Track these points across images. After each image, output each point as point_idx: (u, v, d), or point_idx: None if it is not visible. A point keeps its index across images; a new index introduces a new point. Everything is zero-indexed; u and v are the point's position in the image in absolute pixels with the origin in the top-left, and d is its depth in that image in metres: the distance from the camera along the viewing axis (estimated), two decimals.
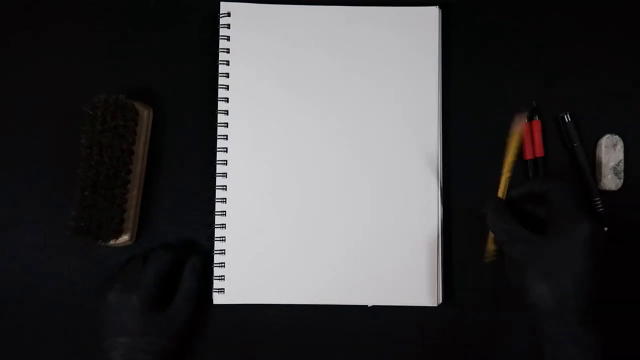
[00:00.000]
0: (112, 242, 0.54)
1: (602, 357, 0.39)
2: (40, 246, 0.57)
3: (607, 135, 0.57)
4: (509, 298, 0.57)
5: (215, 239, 0.56)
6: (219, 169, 0.57)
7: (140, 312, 0.51)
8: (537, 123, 0.57)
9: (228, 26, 0.58)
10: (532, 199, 0.50)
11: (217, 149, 0.57)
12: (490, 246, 0.52)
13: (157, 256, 0.53)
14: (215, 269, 0.56)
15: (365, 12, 0.58)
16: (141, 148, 0.56)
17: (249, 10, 0.58)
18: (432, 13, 0.58)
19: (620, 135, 0.57)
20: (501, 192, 0.52)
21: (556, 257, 0.42)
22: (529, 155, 0.58)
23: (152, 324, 0.51)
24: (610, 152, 0.57)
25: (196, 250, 0.57)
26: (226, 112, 0.57)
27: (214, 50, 0.58)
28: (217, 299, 0.56)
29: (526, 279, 0.43)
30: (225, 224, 0.56)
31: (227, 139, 0.57)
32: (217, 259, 0.56)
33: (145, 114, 0.56)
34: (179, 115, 0.59)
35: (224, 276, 0.56)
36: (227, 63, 0.57)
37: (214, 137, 0.57)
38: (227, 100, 0.57)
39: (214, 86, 0.57)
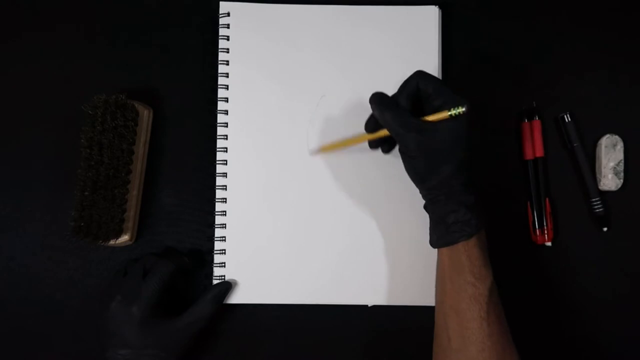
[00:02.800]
0: (112, 242, 0.54)
1: (480, 210, 0.47)
2: (40, 246, 0.57)
3: (607, 135, 0.57)
4: (507, 297, 0.57)
5: (215, 239, 0.56)
6: (219, 169, 0.57)
7: (141, 324, 0.50)
8: (537, 123, 0.57)
9: (228, 26, 0.58)
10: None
11: (217, 149, 0.57)
12: (374, 136, 0.52)
13: (158, 266, 0.53)
14: (215, 269, 0.56)
15: (365, 12, 0.58)
16: (141, 148, 0.56)
17: (248, 10, 0.58)
18: (432, 13, 0.58)
19: (620, 135, 0.57)
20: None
21: (446, 142, 0.46)
22: (529, 155, 0.58)
23: (154, 336, 0.51)
24: (610, 152, 0.57)
25: (197, 254, 0.57)
26: (226, 112, 0.57)
27: (214, 50, 0.58)
28: None
29: (422, 164, 0.47)
30: (225, 224, 0.56)
31: (227, 138, 0.57)
32: (217, 259, 0.56)
33: (145, 114, 0.56)
34: (179, 115, 0.59)
35: (224, 276, 0.56)
36: (227, 63, 0.57)
37: (214, 137, 0.57)
38: (227, 100, 0.57)
39: (214, 86, 0.57)
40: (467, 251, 0.47)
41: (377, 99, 0.49)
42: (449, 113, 0.46)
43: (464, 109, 0.46)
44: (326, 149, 0.57)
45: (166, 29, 0.59)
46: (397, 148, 0.55)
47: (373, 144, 0.54)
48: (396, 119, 0.47)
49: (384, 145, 0.55)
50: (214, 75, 0.58)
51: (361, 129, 0.57)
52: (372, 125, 0.52)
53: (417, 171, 0.49)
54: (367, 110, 0.57)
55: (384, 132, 0.51)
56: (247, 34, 0.58)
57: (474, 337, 0.45)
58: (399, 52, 0.58)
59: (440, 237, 0.48)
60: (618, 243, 0.57)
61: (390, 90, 0.55)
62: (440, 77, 0.58)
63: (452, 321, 0.47)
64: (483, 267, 0.47)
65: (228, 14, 0.58)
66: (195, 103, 0.58)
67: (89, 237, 0.52)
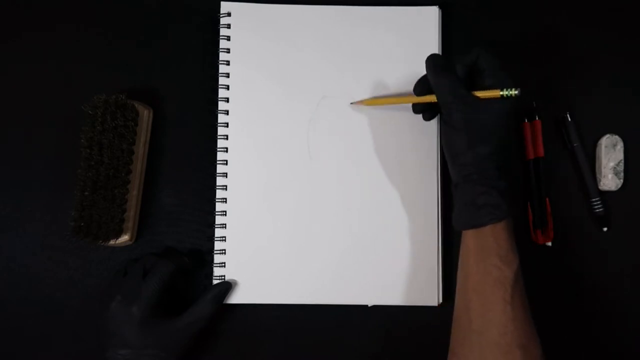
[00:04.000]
0: (112, 242, 0.54)
1: (510, 198, 0.47)
2: (40, 246, 0.57)
3: (607, 135, 0.57)
4: None
5: (216, 239, 0.56)
6: (219, 169, 0.57)
7: (141, 324, 0.50)
8: (537, 123, 0.57)
9: (228, 26, 0.58)
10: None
11: (217, 149, 0.57)
12: (423, 99, 0.52)
13: (158, 266, 0.53)
14: (215, 269, 0.56)
15: (365, 12, 0.58)
16: (141, 148, 0.56)
17: (249, 10, 0.58)
18: (432, 13, 0.58)
19: (620, 135, 0.57)
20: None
21: (490, 121, 0.47)
22: (529, 155, 0.58)
23: (154, 336, 0.51)
24: (610, 152, 0.57)
25: (197, 254, 0.57)
26: (226, 112, 0.57)
27: (214, 50, 0.58)
28: None
29: (462, 138, 0.47)
30: (225, 224, 0.56)
31: (227, 139, 0.57)
32: (217, 259, 0.56)
33: (145, 114, 0.56)
34: (179, 115, 0.59)
35: (224, 276, 0.56)
36: (227, 63, 0.57)
37: (214, 137, 0.57)
38: (227, 100, 0.57)
39: (214, 86, 0.57)
40: (495, 234, 0.46)
41: (434, 61, 0.48)
42: (501, 93, 0.46)
43: (516, 92, 0.46)
44: (369, 102, 0.56)
45: (166, 29, 0.59)
46: (436, 117, 0.56)
47: (417, 108, 0.54)
48: (449, 86, 0.47)
49: (428, 111, 0.54)
50: (215, 75, 0.58)
51: (361, 129, 0.57)
52: (420, 88, 0.52)
53: (455, 145, 0.48)
54: (368, 111, 0.57)
55: (431, 98, 0.50)
56: (248, 34, 0.58)
57: (497, 319, 0.45)
58: (399, 52, 0.58)
59: (469, 219, 0.47)
60: (618, 243, 0.57)
61: (390, 89, 0.56)
62: None
63: (475, 303, 0.46)
64: (510, 251, 0.46)
65: (229, 14, 0.58)
66: (196, 103, 0.58)
67: (89, 237, 0.52)
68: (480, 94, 0.47)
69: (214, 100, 0.57)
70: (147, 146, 0.57)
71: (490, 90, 0.47)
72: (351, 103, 0.57)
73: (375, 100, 0.56)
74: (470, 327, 0.46)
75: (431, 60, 0.49)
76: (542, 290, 0.57)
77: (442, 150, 0.57)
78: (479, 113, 0.47)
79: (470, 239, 0.48)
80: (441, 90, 0.48)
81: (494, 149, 0.47)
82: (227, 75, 0.57)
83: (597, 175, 0.58)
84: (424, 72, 0.57)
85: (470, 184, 0.47)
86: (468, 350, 0.46)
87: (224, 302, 0.55)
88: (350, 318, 0.57)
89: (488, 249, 0.46)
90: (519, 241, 0.57)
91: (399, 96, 0.55)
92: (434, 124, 0.57)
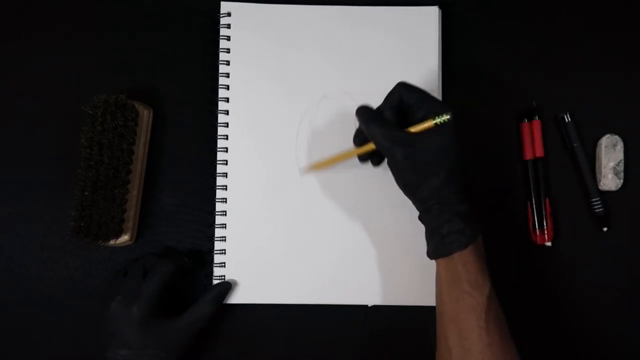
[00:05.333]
0: (112, 242, 0.54)
1: (474, 218, 0.47)
2: (40, 246, 0.57)
3: (607, 135, 0.57)
4: (507, 297, 0.57)
5: (216, 239, 0.56)
6: (219, 169, 0.57)
7: (141, 324, 0.50)
8: (537, 123, 0.58)
9: (228, 26, 0.58)
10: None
11: (218, 149, 0.57)
12: (360, 151, 0.52)
13: (158, 266, 0.53)
14: (215, 269, 0.56)
15: (365, 12, 0.58)
16: (141, 148, 0.56)
17: (249, 10, 0.58)
18: (432, 13, 0.58)
19: (620, 135, 0.57)
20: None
21: (433, 152, 0.46)
22: (529, 155, 0.58)
23: (154, 336, 0.51)
24: (610, 152, 0.57)
25: (197, 254, 0.57)
26: (226, 112, 0.57)
27: (214, 50, 0.58)
28: None
29: (411, 176, 0.47)
30: (225, 224, 0.56)
31: (227, 139, 0.57)
32: (217, 259, 0.56)
33: (145, 114, 0.56)
34: (179, 115, 0.59)
35: (224, 276, 0.56)
36: (227, 63, 0.57)
37: (214, 137, 0.57)
38: (227, 100, 0.57)
39: (214, 86, 0.57)
40: (463, 260, 0.46)
41: (362, 112, 0.49)
42: (434, 122, 0.46)
43: (448, 116, 0.45)
44: (316, 167, 0.56)
45: (166, 29, 0.59)
46: (386, 161, 0.55)
47: (362, 158, 0.54)
48: (382, 132, 0.47)
49: (374, 158, 0.54)
50: (215, 75, 0.58)
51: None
52: (359, 139, 0.52)
53: (407, 183, 0.48)
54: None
55: (370, 146, 0.51)
56: (248, 34, 0.58)
57: (474, 347, 0.45)
58: (399, 52, 0.58)
59: (435, 248, 0.48)
60: (618, 243, 0.57)
61: (389, 89, 0.55)
62: (439, 77, 0.58)
63: (451, 332, 0.46)
64: (480, 275, 0.46)
65: (229, 14, 0.58)
66: (196, 103, 0.58)
67: (89, 237, 0.52)
68: (415, 128, 0.47)
69: (214, 100, 0.57)
70: (147, 146, 0.57)
71: (423, 123, 0.47)
72: (303, 172, 0.57)
73: (322, 163, 0.56)
74: (451, 357, 0.46)
75: (360, 112, 0.49)
76: (542, 290, 0.57)
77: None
78: (420, 148, 0.46)
79: (441, 268, 0.48)
80: (376, 138, 0.48)
81: (447, 176, 0.46)
82: (227, 75, 0.57)
83: (597, 175, 0.58)
84: (423, 71, 0.58)
85: (432, 215, 0.47)
86: None
87: (224, 302, 0.55)
88: (350, 318, 0.57)
89: (458, 276, 0.46)
90: (519, 241, 0.58)
91: (343, 152, 0.55)
92: None
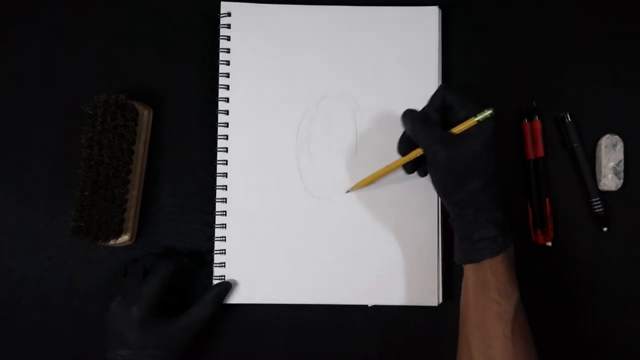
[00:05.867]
0: (112, 242, 0.54)
1: (507, 226, 0.47)
2: (40, 246, 0.57)
3: (607, 135, 0.57)
4: None
5: (216, 239, 0.56)
6: (219, 169, 0.57)
7: (141, 324, 0.50)
8: (537, 123, 0.57)
9: (228, 26, 0.58)
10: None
11: (218, 149, 0.57)
12: (408, 158, 0.52)
13: (158, 266, 0.53)
14: (215, 269, 0.56)
15: (365, 12, 0.58)
16: (141, 148, 0.56)
17: (249, 10, 0.58)
18: (432, 13, 0.58)
19: (620, 135, 0.57)
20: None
21: (474, 153, 0.46)
22: (529, 155, 0.58)
23: (154, 336, 0.51)
24: (610, 152, 0.57)
25: (197, 254, 0.57)
26: (226, 112, 0.57)
27: (215, 50, 0.58)
28: None
29: (451, 178, 0.47)
30: (225, 224, 0.56)
31: (227, 139, 0.57)
32: (217, 259, 0.56)
33: (145, 114, 0.56)
34: (179, 115, 0.59)
35: (224, 276, 0.56)
36: (227, 63, 0.57)
37: (214, 137, 0.57)
38: (227, 100, 0.57)
39: (214, 86, 0.57)
40: (493, 268, 0.46)
41: (409, 115, 0.48)
42: (476, 119, 0.46)
43: (490, 111, 0.46)
44: (363, 183, 0.55)
45: (166, 29, 0.59)
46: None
47: (408, 167, 0.53)
48: (426, 132, 0.47)
49: (421, 167, 0.53)
50: (215, 75, 0.58)
51: (361, 129, 0.57)
52: (404, 146, 0.51)
53: (446, 185, 0.48)
54: (367, 111, 0.57)
55: (417, 152, 0.50)
56: (248, 34, 0.58)
57: (498, 356, 0.44)
58: (399, 52, 0.58)
59: (465, 254, 0.47)
60: (618, 243, 0.57)
61: (390, 89, 0.55)
62: (439, 77, 0.58)
63: (475, 339, 0.46)
64: (509, 284, 0.46)
65: (229, 14, 0.58)
66: (196, 103, 0.58)
67: (89, 237, 0.52)
68: (458, 128, 0.47)
69: (214, 100, 0.57)
70: (147, 146, 0.57)
71: (466, 122, 0.47)
72: (347, 191, 0.56)
73: (368, 179, 0.55)
74: None
75: (405, 115, 0.49)
76: (542, 290, 0.57)
77: None
78: (461, 149, 0.46)
79: (469, 273, 0.47)
80: (420, 138, 0.48)
81: (485, 181, 0.46)
82: (227, 75, 0.57)
83: (597, 175, 0.58)
84: (423, 71, 0.57)
85: (465, 220, 0.47)
86: None
87: (224, 302, 0.55)
88: (350, 318, 0.57)
89: (487, 284, 0.46)
90: (519, 241, 0.58)
91: (387, 166, 0.53)
92: None
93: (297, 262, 0.56)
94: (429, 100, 0.49)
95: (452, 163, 0.46)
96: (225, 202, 0.56)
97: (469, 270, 0.47)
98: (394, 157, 0.57)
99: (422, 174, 0.54)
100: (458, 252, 0.48)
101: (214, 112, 0.57)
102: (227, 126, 0.57)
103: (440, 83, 0.49)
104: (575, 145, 0.57)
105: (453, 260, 0.49)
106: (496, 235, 0.46)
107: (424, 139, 0.47)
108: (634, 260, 0.57)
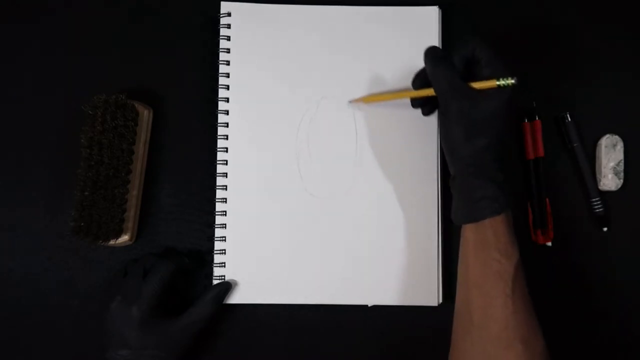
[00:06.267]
0: (112, 242, 0.54)
1: (507, 189, 0.47)
2: (40, 246, 0.57)
3: (607, 135, 0.57)
4: None
5: (216, 239, 0.56)
6: (219, 168, 0.57)
7: (141, 324, 0.50)
8: (537, 123, 0.57)
9: (228, 26, 0.58)
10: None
11: (218, 149, 0.57)
12: (419, 94, 0.52)
13: (158, 266, 0.53)
14: (215, 269, 0.56)
15: (365, 12, 0.58)
16: (141, 148, 0.56)
17: (249, 10, 0.58)
18: (432, 13, 0.58)
19: (620, 135, 0.57)
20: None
21: (487, 113, 0.46)
22: (529, 155, 0.58)
23: (154, 336, 0.51)
24: (610, 152, 0.57)
25: (197, 254, 0.57)
26: (226, 112, 0.57)
27: (215, 50, 0.58)
28: None
29: (460, 131, 0.46)
30: (225, 224, 0.56)
31: (227, 138, 0.57)
32: (217, 259, 0.56)
33: (145, 114, 0.56)
34: (179, 115, 0.59)
35: (224, 276, 0.56)
36: (227, 63, 0.57)
37: (214, 137, 0.57)
38: (227, 100, 0.57)
39: (214, 86, 0.57)
40: (494, 227, 0.46)
41: (432, 52, 0.48)
42: (498, 83, 0.46)
43: (513, 81, 0.45)
44: (368, 99, 0.56)
45: (166, 28, 0.59)
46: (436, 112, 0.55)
47: (416, 103, 0.53)
48: (446, 77, 0.46)
49: (427, 105, 0.54)
50: (215, 75, 0.58)
51: (360, 129, 0.57)
52: (419, 82, 0.51)
53: (453, 138, 0.47)
54: (367, 111, 0.57)
55: (429, 91, 0.50)
56: (248, 34, 0.58)
57: (498, 314, 0.44)
58: (399, 52, 0.58)
59: (466, 213, 0.47)
60: (618, 243, 0.57)
61: (390, 89, 0.55)
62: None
63: (475, 297, 0.46)
64: (509, 244, 0.46)
65: (229, 14, 0.58)
66: (196, 103, 0.58)
67: (89, 237, 0.52)
68: (477, 84, 0.47)
69: (214, 100, 0.57)
70: (147, 146, 0.57)
71: (487, 81, 0.46)
72: (349, 101, 0.57)
73: (373, 97, 0.56)
74: (472, 322, 0.46)
75: (430, 52, 0.48)
76: (542, 290, 0.57)
77: (442, 150, 0.57)
78: (476, 105, 0.46)
79: (469, 233, 0.47)
80: (439, 82, 0.47)
81: (492, 141, 0.46)
82: (227, 75, 0.57)
83: (597, 175, 0.58)
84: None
85: (468, 177, 0.47)
86: (469, 344, 0.46)
87: (224, 302, 0.55)
88: (350, 318, 0.57)
89: (487, 243, 0.46)
90: (518, 241, 0.58)
91: (399, 91, 0.55)
92: (434, 124, 0.57)
93: (297, 262, 0.56)
94: (457, 45, 0.49)
95: (465, 116, 0.46)
96: (225, 202, 0.56)
97: (468, 229, 0.47)
98: (394, 157, 0.57)
99: (426, 113, 0.54)
100: (458, 212, 0.48)
101: (214, 112, 0.57)
102: (227, 126, 0.57)
103: (477, 36, 0.49)
104: (575, 145, 0.57)
105: (453, 225, 0.49)
106: (498, 195, 0.46)
107: (442, 85, 0.47)
108: (634, 260, 0.57)
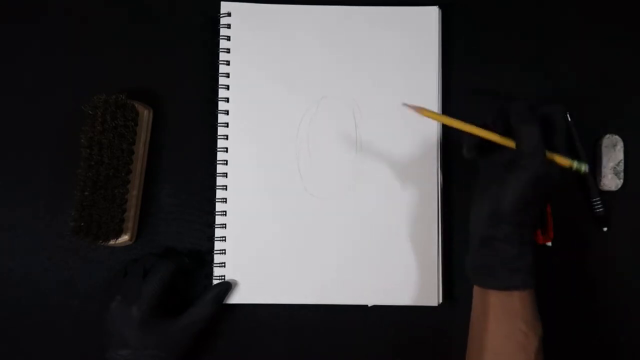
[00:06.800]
0: (112, 242, 0.54)
1: (533, 247, 0.45)
2: (40, 246, 0.57)
3: (607, 135, 0.57)
4: None
5: (215, 239, 0.56)
6: (219, 168, 0.57)
7: (141, 325, 0.50)
8: None
9: (228, 26, 0.58)
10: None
11: (218, 149, 0.57)
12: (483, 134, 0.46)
13: (158, 266, 0.53)
14: (215, 269, 0.56)
15: (365, 12, 0.58)
16: (141, 148, 0.56)
17: (249, 10, 0.58)
18: (432, 13, 0.58)
19: (620, 135, 0.57)
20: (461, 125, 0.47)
21: (550, 185, 0.44)
22: None
23: (154, 336, 0.51)
24: (610, 152, 0.57)
25: (197, 254, 0.57)
26: (226, 112, 0.57)
27: (215, 50, 0.58)
28: None
29: (514, 197, 0.44)
30: (225, 224, 0.56)
31: (227, 138, 0.57)
32: (217, 259, 0.56)
33: (145, 114, 0.56)
34: (179, 115, 0.59)
35: (224, 276, 0.56)
36: (227, 63, 0.57)
37: (214, 137, 0.57)
38: (227, 100, 0.57)
39: (214, 86, 0.57)
40: (522, 298, 0.45)
41: (525, 106, 0.44)
42: (573, 165, 0.44)
43: (586, 170, 0.44)
44: (427, 114, 0.48)
45: (166, 28, 0.59)
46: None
47: (474, 147, 0.47)
48: (537, 139, 0.43)
49: (480, 150, 0.48)
50: (215, 75, 0.58)
51: (361, 129, 0.57)
52: (497, 124, 0.46)
53: (504, 199, 0.44)
54: (367, 111, 0.57)
55: (508, 142, 0.45)
56: (248, 34, 0.58)
57: None
58: (399, 52, 0.58)
59: (499, 280, 0.45)
60: (618, 243, 0.57)
61: (390, 89, 0.55)
62: (440, 77, 0.58)
63: None
64: (535, 317, 0.45)
65: (229, 14, 0.58)
66: (196, 103, 0.58)
67: (89, 237, 0.52)
68: (556, 157, 0.44)
69: (214, 100, 0.57)
70: (147, 146, 0.57)
71: (563, 158, 0.44)
72: (403, 103, 0.48)
73: (435, 115, 0.51)
74: None
75: (522, 105, 0.45)
76: (542, 290, 0.57)
77: (442, 151, 0.57)
78: (543, 174, 0.43)
79: (494, 299, 0.45)
80: (528, 140, 0.43)
81: (538, 213, 0.45)
82: (227, 75, 0.57)
83: (597, 175, 0.58)
84: (423, 71, 0.57)
85: (509, 243, 0.44)
86: None
87: (224, 302, 0.55)
88: (350, 318, 0.57)
89: (514, 313, 0.45)
90: None
91: (463, 122, 0.47)
92: (434, 124, 0.57)
93: (297, 262, 0.56)
94: (543, 106, 0.45)
95: (527, 183, 0.43)
96: (225, 202, 0.56)
97: (493, 295, 0.45)
98: (395, 157, 0.57)
99: (472, 156, 0.48)
100: (487, 277, 0.46)
101: (214, 112, 0.57)
102: (227, 126, 0.57)
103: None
104: (575, 145, 0.57)
105: (459, 264, 0.49)
106: (534, 270, 0.45)
107: (530, 144, 0.43)
108: (634, 260, 0.57)
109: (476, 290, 0.47)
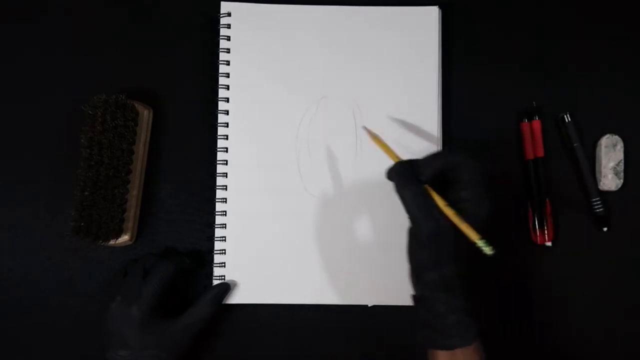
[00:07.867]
0: (112, 242, 0.54)
1: (475, 314, 0.44)
2: (40, 246, 0.57)
3: (607, 135, 0.57)
4: (507, 297, 0.57)
5: (215, 239, 0.56)
6: (219, 168, 0.57)
7: (140, 325, 0.50)
8: (537, 123, 0.57)
9: (228, 26, 0.58)
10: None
11: (218, 149, 0.57)
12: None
13: (158, 266, 0.53)
14: (215, 269, 0.56)
15: (365, 12, 0.58)
16: (141, 148, 0.56)
17: (249, 10, 0.58)
18: (432, 13, 0.58)
19: (620, 135, 0.57)
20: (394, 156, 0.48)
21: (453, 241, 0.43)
22: (529, 155, 0.58)
23: (154, 336, 0.51)
24: (610, 152, 0.57)
25: (197, 254, 0.57)
26: (226, 112, 0.57)
27: (215, 50, 0.58)
28: None
29: (429, 256, 0.44)
30: (225, 224, 0.56)
31: (227, 138, 0.57)
32: (217, 259, 0.56)
33: (145, 114, 0.56)
34: (179, 115, 0.59)
35: (224, 276, 0.56)
36: (228, 63, 0.57)
37: (214, 137, 0.57)
38: (227, 100, 0.57)
39: (214, 86, 0.57)
40: (465, 355, 0.44)
41: (398, 171, 0.45)
42: (478, 243, 0.43)
43: (491, 252, 0.43)
44: (376, 141, 0.51)
45: (166, 28, 0.59)
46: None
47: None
48: (416, 200, 0.43)
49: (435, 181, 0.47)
50: (215, 75, 0.58)
51: (361, 129, 0.57)
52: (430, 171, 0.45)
53: (421, 261, 0.45)
54: (367, 111, 0.57)
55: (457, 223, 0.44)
56: (248, 34, 0.58)
57: None
58: (399, 52, 0.58)
59: (437, 339, 0.45)
60: (618, 243, 0.57)
61: (390, 89, 0.55)
62: (440, 77, 0.58)
63: None
64: None
65: (229, 14, 0.58)
66: (196, 103, 0.58)
67: (89, 237, 0.52)
68: (456, 220, 0.43)
69: (214, 100, 0.57)
70: (147, 146, 0.57)
71: (468, 229, 0.43)
72: (363, 127, 0.53)
73: (382, 143, 0.51)
74: None
75: (394, 170, 0.45)
76: (542, 290, 0.57)
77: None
78: (445, 231, 0.43)
79: (442, 357, 0.45)
80: (407, 203, 0.44)
81: (460, 268, 0.44)
82: (227, 75, 0.57)
83: (597, 175, 0.58)
84: (423, 71, 0.57)
85: (436, 303, 0.44)
86: None
87: (224, 302, 0.55)
88: (350, 318, 0.57)
89: None
90: (519, 241, 0.58)
91: (394, 151, 0.49)
92: (434, 124, 0.57)
93: (297, 262, 0.56)
94: (433, 156, 0.45)
95: (432, 242, 0.43)
96: (225, 202, 0.56)
97: (440, 355, 0.45)
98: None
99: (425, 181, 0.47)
100: (427, 338, 0.46)
101: (214, 112, 0.57)
102: (227, 126, 0.57)
103: (474, 162, 0.44)
104: (575, 145, 0.57)
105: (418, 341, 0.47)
106: (470, 324, 0.44)
107: (412, 208, 0.43)
108: (634, 260, 0.57)
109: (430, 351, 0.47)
